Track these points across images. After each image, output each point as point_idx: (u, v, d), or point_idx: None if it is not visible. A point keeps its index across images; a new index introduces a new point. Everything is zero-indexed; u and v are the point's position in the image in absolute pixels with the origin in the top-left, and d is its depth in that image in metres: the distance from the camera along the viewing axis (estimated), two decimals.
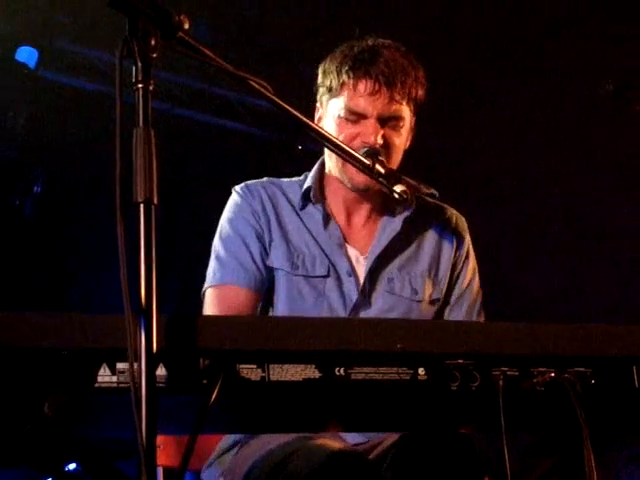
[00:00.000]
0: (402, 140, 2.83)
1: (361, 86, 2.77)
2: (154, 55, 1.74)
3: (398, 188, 2.60)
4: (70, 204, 6.02)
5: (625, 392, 1.97)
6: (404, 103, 2.79)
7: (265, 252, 2.83)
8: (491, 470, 2.40)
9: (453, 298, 2.94)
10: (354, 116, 2.78)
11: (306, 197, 2.90)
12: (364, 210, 2.93)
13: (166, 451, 2.82)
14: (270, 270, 2.82)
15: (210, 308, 2.79)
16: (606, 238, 6.14)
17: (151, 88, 1.72)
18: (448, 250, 2.96)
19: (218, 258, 2.86)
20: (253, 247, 2.83)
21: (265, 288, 2.82)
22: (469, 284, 2.97)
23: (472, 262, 3.00)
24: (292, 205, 2.91)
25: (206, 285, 2.85)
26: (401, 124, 2.80)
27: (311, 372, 1.79)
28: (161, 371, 1.69)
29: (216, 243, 2.89)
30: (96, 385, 1.67)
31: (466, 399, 1.93)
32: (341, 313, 2.79)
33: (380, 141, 2.74)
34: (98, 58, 5.77)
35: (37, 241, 5.89)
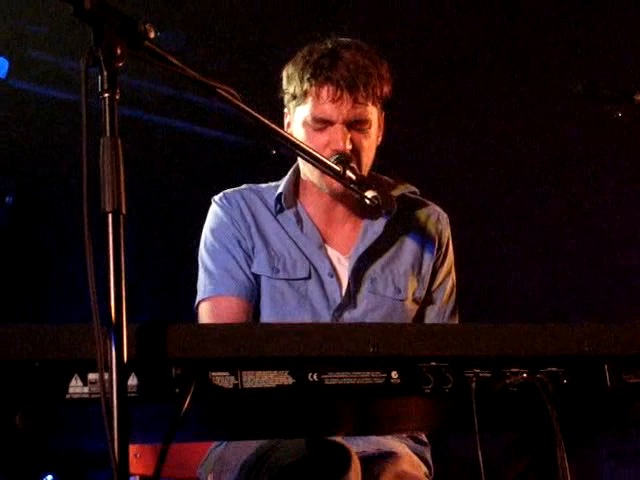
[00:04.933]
0: (371, 141, 2.83)
1: (324, 93, 2.76)
2: (120, 64, 1.73)
3: (369, 194, 2.61)
4: (43, 214, 5.99)
5: (597, 391, 1.98)
6: (369, 104, 2.78)
7: (250, 259, 2.84)
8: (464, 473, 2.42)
9: (428, 292, 2.94)
10: (320, 123, 2.77)
11: (280, 202, 2.91)
12: (343, 211, 2.92)
13: (143, 460, 2.82)
14: (256, 277, 2.83)
15: (204, 321, 2.78)
16: (582, 239, 6.17)
17: (117, 97, 1.72)
18: (430, 247, 2.95)
19: (206, 271, 2.85)
20: (238, 256, 2.83)
21: (256, 295, 2.82)
22: (444, 280, 2.96)
23: (450, 258, 3.00)
24: (270, 210, 2.91)
25: (198, 299, 2.85)
26: (367, 126, 2.80)
27: (284, 378, 1.79)
28: (132, 381, 1.68)
29: (202, 256, 2.89)
30: (68, 396, 1.66)
31: (440, 401, 1.93)
32: (324, 314, 2.79)
33: (349, 146, 2.74)
34: (69, 67, 5.74)
35: (10, 252, 5.86)
